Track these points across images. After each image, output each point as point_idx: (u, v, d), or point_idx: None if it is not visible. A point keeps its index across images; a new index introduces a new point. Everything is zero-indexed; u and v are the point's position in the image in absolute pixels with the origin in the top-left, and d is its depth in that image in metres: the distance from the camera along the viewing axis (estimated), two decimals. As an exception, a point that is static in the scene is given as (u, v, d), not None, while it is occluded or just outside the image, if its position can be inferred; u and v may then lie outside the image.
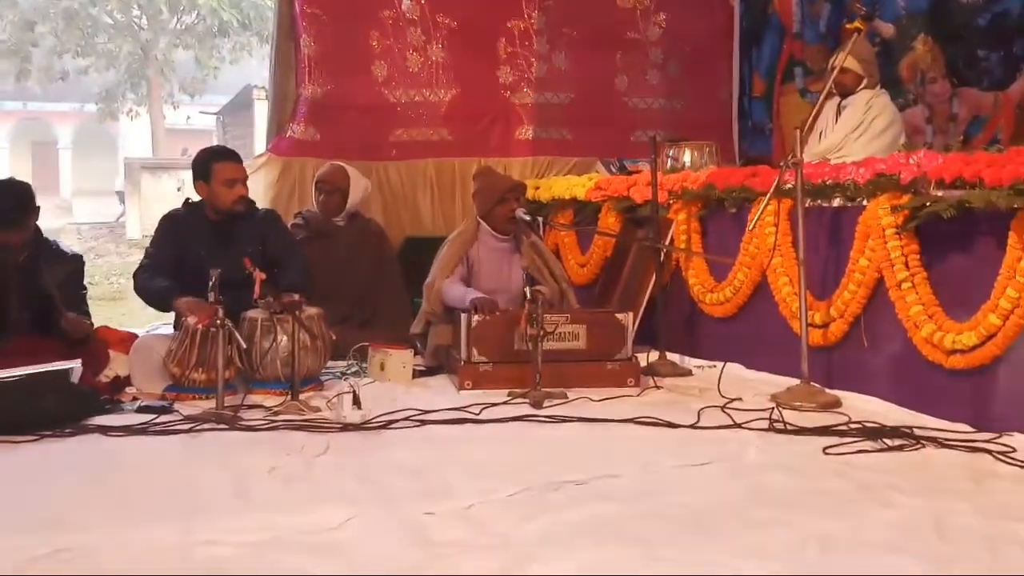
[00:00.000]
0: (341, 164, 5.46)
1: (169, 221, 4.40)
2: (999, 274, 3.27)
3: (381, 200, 6.34)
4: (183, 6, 22.83)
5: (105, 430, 3.39)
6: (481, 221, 4.75)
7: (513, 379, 4.03)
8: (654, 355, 4.63)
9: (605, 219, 5.55)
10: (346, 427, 3.44)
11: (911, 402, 3.63)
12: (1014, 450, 3.05)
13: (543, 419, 3.60)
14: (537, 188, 6.24)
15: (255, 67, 22.35)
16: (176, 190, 16.65)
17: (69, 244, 4.76)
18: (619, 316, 4.30)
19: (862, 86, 4.98)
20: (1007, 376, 3.32)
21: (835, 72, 4.41)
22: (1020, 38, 5.52)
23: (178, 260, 4.26)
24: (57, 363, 3.69)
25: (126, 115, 25.54)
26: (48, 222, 4.67)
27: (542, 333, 3.94)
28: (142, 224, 17.74)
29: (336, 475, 2.89)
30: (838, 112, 5.07)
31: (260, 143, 15.00)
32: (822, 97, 4.31)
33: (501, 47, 6.68)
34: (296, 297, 3.97)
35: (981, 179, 3.30)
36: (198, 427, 3.43)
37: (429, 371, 4.52)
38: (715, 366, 4.43)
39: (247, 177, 4.40)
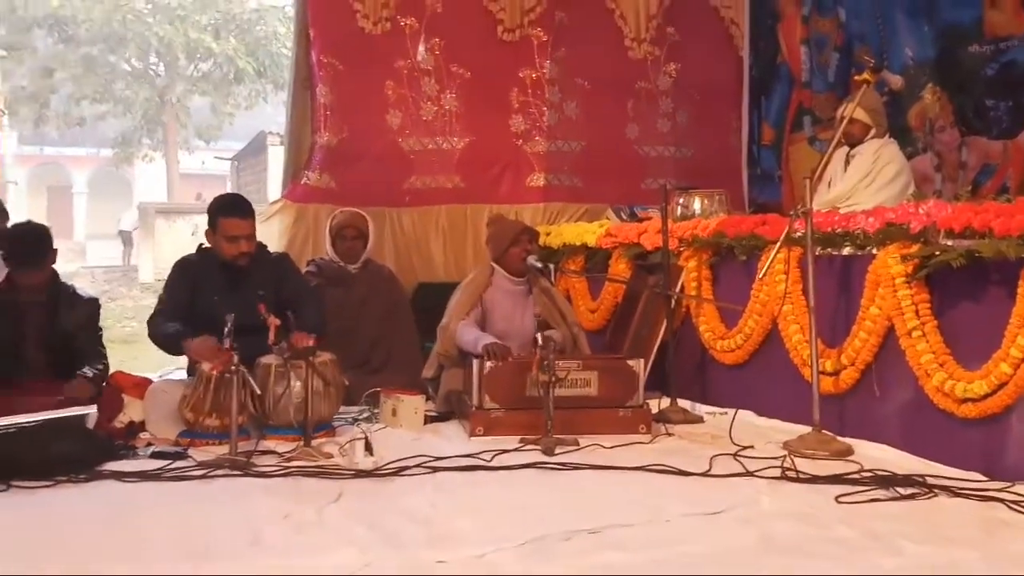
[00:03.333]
0: (357, 210, 5.52)
1: (182, 267, 4.44)
2: (1009, 323, 3.28)
3: (394, 246, 6.41)
4: (200, 53, 23.22)
5: (120, 476, 3.40)
6: (495, 265, 4.81)
7: (525, 425, 4.04)
8: (665, 402, 4.64)
9: (616, 265, 5.59)
10: (358, 474, 3.45)
11: (923, 450, 3.63)
12: (1027, 500, 3.05)
13: (555, 466, 3.61)
14: (548, 234, 6.28)
15: (270, 113, 22.66)
16: (190, 235, 16.82)
17: (83, 287, 4.83)
18: (631, 363, 4.32)
19: (871, 135, 5.03)
20: (1020, 425, 3.32)
21: (844, 123, 4.45)
22: (1029, 89, 5.58)
23: (191, 305, 4.29)
24: (72, 408, 3.73)
25: (141, 160, 25.86)
26: (62, 266, 4.73)
27: (554, 379, 3.96)
28: (155, 268, 17.92)
29: (349, 522, 2.89)
30: (847, 161, 5.11)
31: (273, 188, 15.14)
32: (831, 147, 4.35)
33: (514, 96, 6.78)
34: (310, 343, 3.99)
35: (991, 229, 3.33)
36: (212, 473, 3.45)
37: (441, 417, 4.53)
38: (726, 413, 4.42)
39: (253, 233, 4.36)
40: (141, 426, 4.11)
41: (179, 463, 3.59)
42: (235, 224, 4.30)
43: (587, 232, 5.96)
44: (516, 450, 3.83)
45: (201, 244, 4.45)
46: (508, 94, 6.78)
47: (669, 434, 4.22)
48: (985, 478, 3.31)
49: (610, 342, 5.50)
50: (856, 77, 4.41)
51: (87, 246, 27.61)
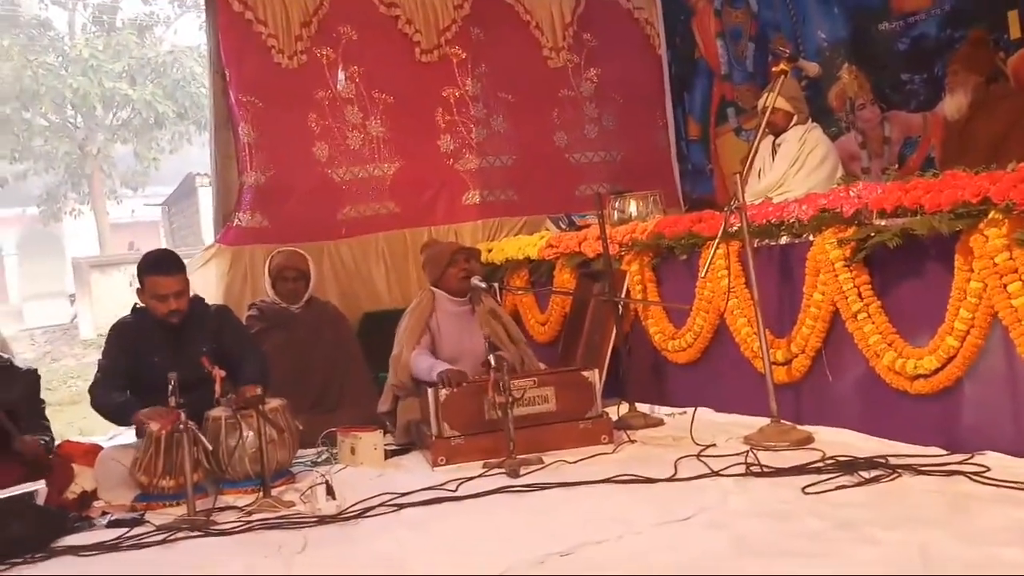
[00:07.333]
0: (296, 249, 5.44)
1: (118, 331, 4.31)
2: (951, 296, 3.32)
3: (336, 279, 6.33)
4: (117, 102, 22.75)
5: (77, 550, 3.29)
6: (435, 289, 4.76)
7: (487, 449, 4.00)
8: (624, 408, 4.63)
9: (560, 276, 5.59)
10: (322, 520, 3.38)
11: (882, 430, 3.66)
12: (988, 469, 3.07)
13: (521, 488, 3.57)
14: (490, 251, 6.26)
15: (196, 154, 22.26)
16: (128, 285, 16.47)
17: (22, 351, 4.68)
18: (585, 374, 4.30)
19: (793, 123, 5.11)
20: (972, 395, 3.37)
21: (766, 114, 4.49)
22: (940, 59, 5.67)
23: (132, 368, 4.18)
24: (20, 486, 3.61)
25: (69, 215, 25.32)
26: (-1, 329, 4.58)
27: (511, 400, 3.93)
28: (95, 324, 17.50)
29: (318, 572, 2.83)
30: (774, 150, 5.17)
31: (207, 229, 14.93)
32: (757, 139, 4.38)
33: (439, 116, 6.76)
34: (258, 391, 3.92)
35: (921, 205, 3.37)
36: (172, 537, 3.35)
37: (401, 449, 4.47)
38: (685, 412, 4.43)
39: (183, 289, 4.23)
40: (94, 495, 3.99)
41: (137, 530, 3.49)
42: (161, 282, 4.18)
43: (528, 245, 5.95)
44: (481, 476, 3.78)
45: (135, 304, 4.35)
46: (433, 115, 6.76)
47: (632, 441, 4.21)
48: (945, 452, 3.35)
49: (563, 353, 5.49)
50: (773, 68, 4.45)
51: (23, 308, 26.94)
